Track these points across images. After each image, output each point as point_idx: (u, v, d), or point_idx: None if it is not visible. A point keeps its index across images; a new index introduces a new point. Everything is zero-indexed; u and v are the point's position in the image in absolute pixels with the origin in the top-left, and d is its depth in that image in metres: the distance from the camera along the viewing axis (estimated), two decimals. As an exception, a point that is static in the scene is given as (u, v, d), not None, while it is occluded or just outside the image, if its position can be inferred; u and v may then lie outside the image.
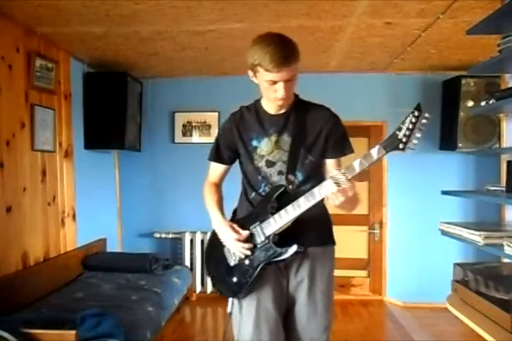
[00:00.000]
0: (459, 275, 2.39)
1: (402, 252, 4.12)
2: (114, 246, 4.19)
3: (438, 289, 2.92)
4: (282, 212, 1.58)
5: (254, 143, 1.70)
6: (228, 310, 1.77)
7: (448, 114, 3.78)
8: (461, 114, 3.60)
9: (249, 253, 1.63)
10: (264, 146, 1.68)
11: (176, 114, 4.30)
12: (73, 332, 2.00)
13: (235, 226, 1.67)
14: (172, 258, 4.13)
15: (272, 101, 1.62)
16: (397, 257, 4.14)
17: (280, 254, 1.58)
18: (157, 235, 4.26)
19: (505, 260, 2.53)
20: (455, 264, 2.47)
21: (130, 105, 3.84)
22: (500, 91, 2.33)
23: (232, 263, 1.70)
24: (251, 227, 1.66)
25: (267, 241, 1.61)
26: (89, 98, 3.72)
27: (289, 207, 1.56)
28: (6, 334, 1.94)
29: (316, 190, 1.50)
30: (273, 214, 1.61)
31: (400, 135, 1.33)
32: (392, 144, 1.35)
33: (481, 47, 3.19)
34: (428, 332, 3.47)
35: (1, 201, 2.59)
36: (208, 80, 4.22)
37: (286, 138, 1.66)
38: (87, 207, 3.63)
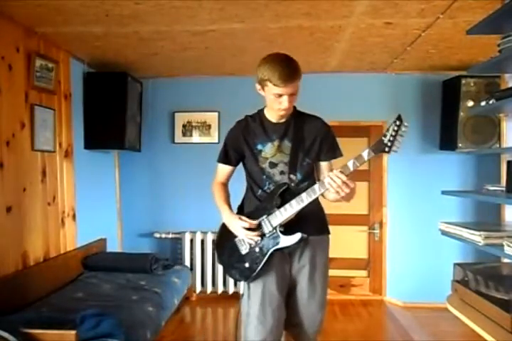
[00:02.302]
0: (459, 275, 2.39)
1: (402, 252, 4.12)
2: (114, 246, 4.19)
3: (438, 289, 2.92)
4: (287, 205, 1.87)
5: (259, 147, 2.00)
6: (241, 291, 2.10)
7: (448, 114, 3.77)
8: (461, 114, 3.60)
9: (258, 239, 1.91)
10: (268, 150, 1.98)
11: (176, 114, 4.29)
12: (73, 332, 2.01)
13: (243, 217, 1.95)
14: (172, 258, 4.13)
15: (276, 111, 1.92)
16: (397, 257, 4.14)
17: (286, 241, 1.87)
18: (157, 235, 4.26)
19: (505, 260, 2.53)
20: (455, 264, 2.47)
21: (130, 105, 3.84)
22: (500, 92, 2.33)
23: (243, 251, 1.97)
24: (259, 219, 1.93)
25: (274, 230, 1.90)
26: (89, 98, 3.72)
27: (293, 201, 1.85)
28: (6, 334, 1.94)
29: (316, 186, 1.80)
30: (279, 207, 1.89)
31: (386, 140, 1.69)
32: (380, 148, 1.71)
33: (481, 47, 3.19)
34: (428, 332, 3.47)
35: (1, 201, 2.59)
36: (208, 80, 4.22)
37: (287, 143, 1.97)
38: (87, 207, 3.63)
